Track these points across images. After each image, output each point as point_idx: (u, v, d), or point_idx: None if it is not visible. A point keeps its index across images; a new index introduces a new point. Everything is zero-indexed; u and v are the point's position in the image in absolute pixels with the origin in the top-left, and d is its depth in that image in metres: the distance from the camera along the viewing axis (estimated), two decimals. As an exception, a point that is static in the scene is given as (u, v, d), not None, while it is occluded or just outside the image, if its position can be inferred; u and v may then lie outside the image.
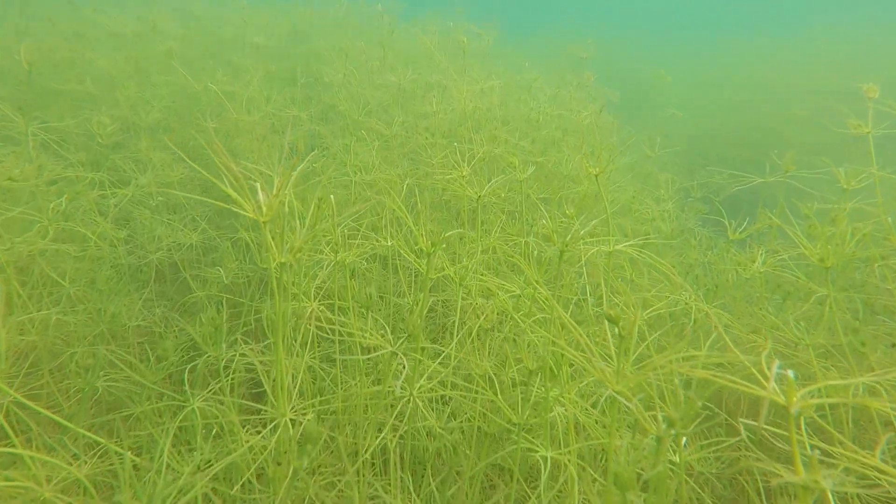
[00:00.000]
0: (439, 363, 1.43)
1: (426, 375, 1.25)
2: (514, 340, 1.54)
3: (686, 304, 1.95)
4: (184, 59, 4.73)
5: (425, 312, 1.93)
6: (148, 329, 2.55)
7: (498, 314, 1.62)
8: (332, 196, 1.40)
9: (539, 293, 1.45)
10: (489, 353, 1.52)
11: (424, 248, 1.20)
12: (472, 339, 1.52)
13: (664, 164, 6.01)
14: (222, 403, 1.32)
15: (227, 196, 1.27)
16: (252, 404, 1.37)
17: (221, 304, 2.57)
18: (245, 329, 2.53)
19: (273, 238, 1.04)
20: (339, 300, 1.59)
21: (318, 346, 1.66)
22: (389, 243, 1.79)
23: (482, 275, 1.67)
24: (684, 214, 3.68)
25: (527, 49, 8.51)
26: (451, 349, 1.38)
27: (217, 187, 3.96)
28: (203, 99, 4.31)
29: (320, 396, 1.31)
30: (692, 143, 6.97)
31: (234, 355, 1.44)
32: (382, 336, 1.24)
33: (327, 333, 1.51)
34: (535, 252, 2.00)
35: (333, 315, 1.48)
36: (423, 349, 1.29)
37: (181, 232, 3.04)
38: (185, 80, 4.32)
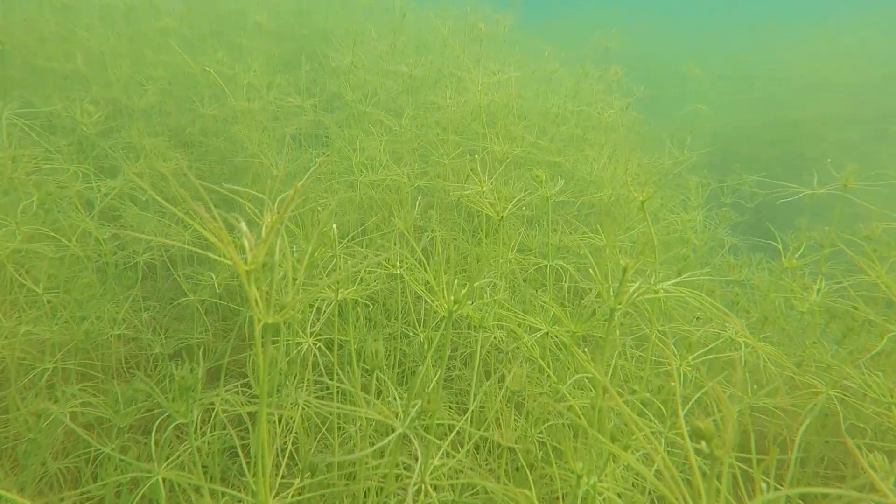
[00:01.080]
0: (458, 435, 1.22)
1: (441, 453, 1.04)
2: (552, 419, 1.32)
3: (734, 339, 1.73)
4: (181, 38, 4.46)
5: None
6: (133, 337, 2.34)
7: (525, 359, 1.41)
8: (334, 226, 1.18)
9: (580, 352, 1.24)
10: (519, 420, 1.31)
11: (444, 304, 0.99)
12: (497, 404, 1.30)
13: (691, 164, 5.71)
14: (204, 467, 1.12)
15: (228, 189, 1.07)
16: (234, 468, 1.17)
17: (206, 328, 2.35)
18: (238, 343, 2.32)
19: (259, 289, 0.82)
20: (339, 353, 1.38)
21: (312, 394, 1.45)
22: (398, 271, 1.57)
23: (506, 309, 1.46)
24: (714, 223, 3.43)
25: (546, 34, 8.13)
26: (469, 419, 1.18)
27: (216, 178, 3.68)
28: (202, 81, 4.05)
29: (311, 474, 1.11)
30: (719, 139, 6.64)
31: (215, 404, 1.24)
32: (391, 404, 1.02)
33: (324, 391, 1.31)
34: (566, 284, 1.78)
35: (332, 356, 1.27)
36: (437, 425, 1.09)
37: (173, 228, 2.82)
38: (182, 61, 4.05)
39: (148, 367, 2.33)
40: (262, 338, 0.82)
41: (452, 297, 0.96)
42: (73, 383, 2.07)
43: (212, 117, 3.74)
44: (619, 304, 1.07)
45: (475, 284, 1.33)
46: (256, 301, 0.80)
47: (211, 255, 0.78)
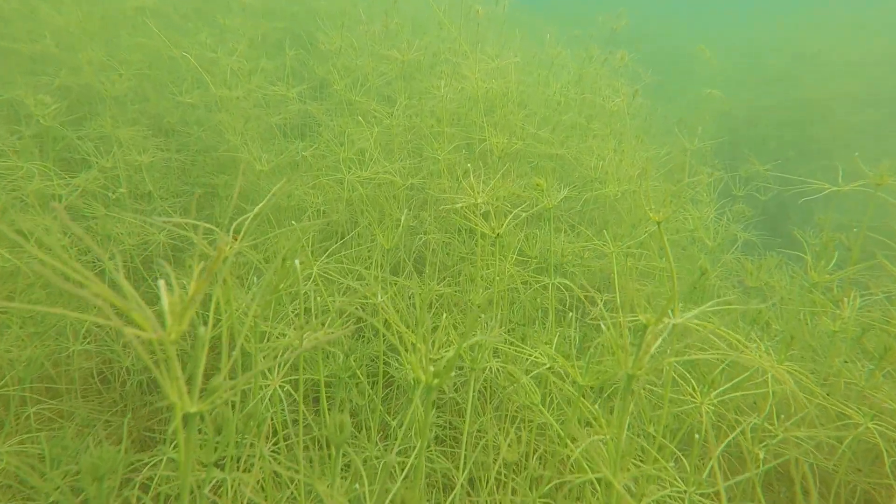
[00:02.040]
0: None
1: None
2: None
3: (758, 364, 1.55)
4: (161, 17, 4.18)
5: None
6: (98, 353, 2.16)
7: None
8: (297, 261, 0.98)
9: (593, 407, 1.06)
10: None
11: (421, 372, 0.80)
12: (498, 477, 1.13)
13: (699, 150, 5.44)
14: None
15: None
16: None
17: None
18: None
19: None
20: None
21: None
22: (379, 298, 1.38)
23: (509, 343, 1.28)
24: (727, 220, 3.22)
25: (548, 13, 7.77)
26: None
27: (199, 170, 3.44)
28: (183, 65, 3.79)
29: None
30: (726, 121, 6.35)
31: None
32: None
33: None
34: (571, 317, 1.60)
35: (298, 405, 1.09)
36: None
37: (147, 228, 2.62)
38: (160, 43, 3.79)
39: (115, 382, 2.16)
40: (185, 429, 0.64)
41: (436, 361, 0.78)
42: (29, 406, 1.90)
43: (192, 105, 3.50)
44: (639, 369, 0.88)
45: (464, 344, 1.14)
46: (178, 384, 0.62)
47: (121, 325, 0.59)
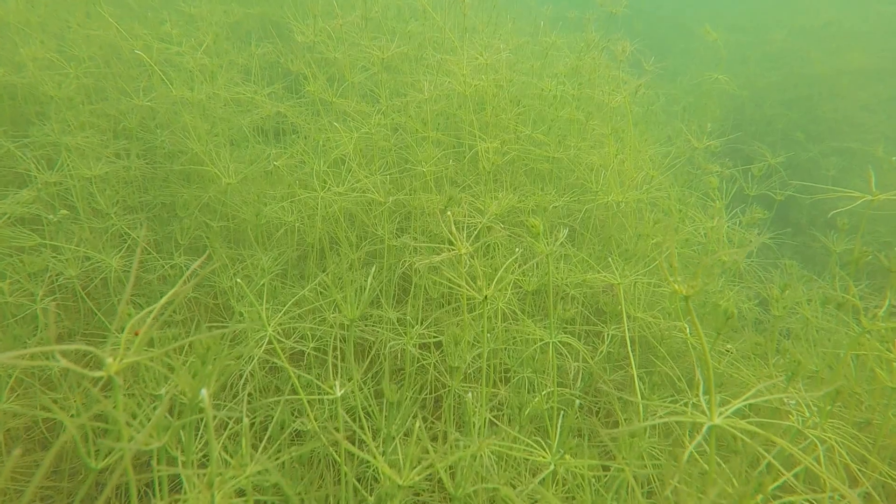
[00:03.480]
0: None
1: None
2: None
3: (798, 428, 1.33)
4: (116, 4, 3.80)
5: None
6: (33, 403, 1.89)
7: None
8: (205, 391, 0.73)
9: None
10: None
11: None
12: None
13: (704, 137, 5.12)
14: None
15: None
16: None
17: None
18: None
19: None
20: None
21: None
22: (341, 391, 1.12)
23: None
24: (739, 223, 2.96)
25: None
26: None
27: (161, 180, 3.12)
28: (143, 60, 3.44)
29: None
30: (730, 101, 6.04)
31: None
32: None
33: None
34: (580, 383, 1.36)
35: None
36: None
37: (96, 253, 2.33)
38: (116, 35, 3.44)
39: (51, 440, 1.90)
40: None
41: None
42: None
43: (150, 108, 3.18)
44: None
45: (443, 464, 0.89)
46: None
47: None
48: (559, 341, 1.49)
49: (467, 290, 1.25)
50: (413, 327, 1.70)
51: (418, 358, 1.78)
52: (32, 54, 3.03)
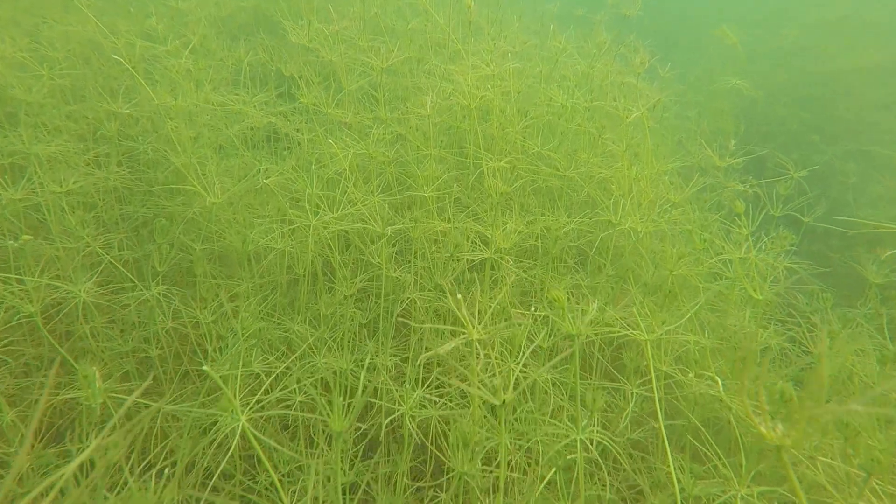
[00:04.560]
0: None
1: None
2: None
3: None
4: (98, -2, 3.53)
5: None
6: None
7: None
8: None
9: None
10: None
11: None
12: None
13: (709, 132, 4.87)
14: None
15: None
16: None
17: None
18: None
19: None
20: None
21: None
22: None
23: None
24: (764, 248, 2.74)
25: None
26: None
27: (143, 192, 2.89)
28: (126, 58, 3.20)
29: None
30: (740, 101, 5.78)
31: None
32: None
33: None
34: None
35: None
36: None
37: (63, 283, 2.12)
38: (96, 31, 3.19)
39: None
40: None
41: None
42: None
43: (133, 116, 2.95)
44: None
45: None
46: None
47: None
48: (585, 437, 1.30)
49: (481, 393, 1.06)
50: (413, 389, 1.52)
51: (419, 430, 1.59)
52: (1, 53, 2.79)
